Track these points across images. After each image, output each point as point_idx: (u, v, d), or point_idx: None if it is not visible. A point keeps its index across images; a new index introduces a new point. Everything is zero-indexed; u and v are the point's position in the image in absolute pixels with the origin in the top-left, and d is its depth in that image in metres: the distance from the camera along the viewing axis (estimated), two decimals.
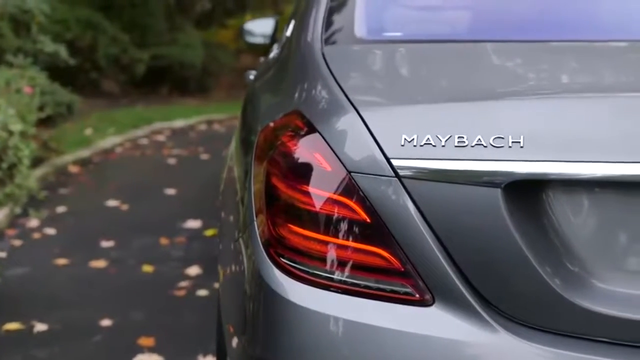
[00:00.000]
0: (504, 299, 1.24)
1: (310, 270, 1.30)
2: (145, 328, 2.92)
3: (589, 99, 1.26)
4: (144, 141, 7.61)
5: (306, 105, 1.44)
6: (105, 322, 2.97)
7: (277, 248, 1.34)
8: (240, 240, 1.50)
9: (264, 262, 1.35)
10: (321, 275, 1.30)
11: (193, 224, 4.31)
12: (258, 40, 3.99)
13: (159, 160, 6.58)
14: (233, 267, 1.56)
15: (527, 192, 1.22)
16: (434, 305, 1.25)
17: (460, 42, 1.62)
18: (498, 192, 1.21)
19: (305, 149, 1.34)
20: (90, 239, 4.02)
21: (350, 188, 1.27)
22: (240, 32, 4.22)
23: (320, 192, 1.30)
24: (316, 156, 1.32)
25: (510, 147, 1.21)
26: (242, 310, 1.44)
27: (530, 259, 1.20)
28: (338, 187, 1.28)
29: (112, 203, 4.84)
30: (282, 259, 1.33)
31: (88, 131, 7.15)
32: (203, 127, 9.01)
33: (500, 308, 1.24)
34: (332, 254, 1.29)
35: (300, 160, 1.34)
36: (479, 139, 1.22)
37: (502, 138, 1.21)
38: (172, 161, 6.54)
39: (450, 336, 1.23)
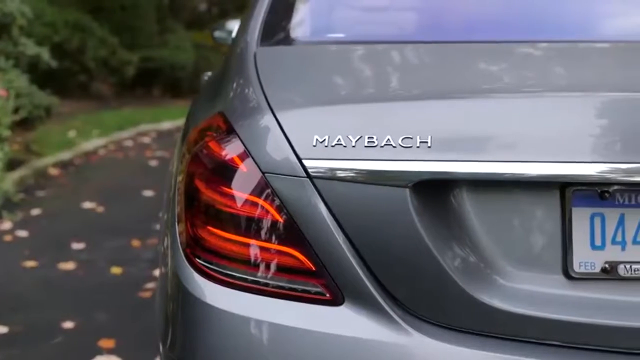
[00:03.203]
0: (413, 298, 1.24)
1: (225, 271, 1.31)
2: (107, 330, 2.92)
3: (495, 100, 1.27)
4: (129, 143, 7.62)
5: (229, 107, 1.44)
6: (68, 324, 2.97)
7: (194, 249, 1.34)
8: (166, 240, 1.51)
9: (182, 263, 1.36)
10: (235, 276, 1.30)
11: None
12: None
13: (141, 162, 6.59)
14: (162, 268, 1.57)
15: (434, 192, 1.23)
16: (343, 305, 1.25)
17: (389, 43, 1.62)
18: (406, 192, 1.21)
19: (224, 150, 1.34)
20: (61, 241, 4.02)
21: (264, 189, 1.28)
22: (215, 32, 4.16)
23: (235, 193, 1.30)
24: (233, 157, 1.32)
25: (418, 147, 1.21)
26: (164, 311, 1.44)
27: (438, 258, 1.21)
28: (253, 188, 1.29)
29: (88, 205, 4.84)
30: (199, 260, 1.33)
31: (71, 133, 7.15)
32: None
33: (410, 307, 1.24)
34: (245, 255, 1.29)
35: (218, 161, 1.34)
36: (388, 139, 1.23)
37: (411, 138, 1.22)
38: (154, 163, 6.54)
39: (358, 335, 1.23)
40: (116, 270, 3.60)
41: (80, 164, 6.36)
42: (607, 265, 1.22)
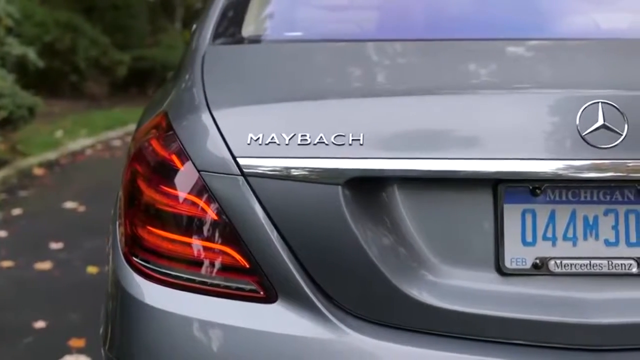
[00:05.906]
0: (346, 295, 1.24)
1: (161, 270, 1.30)
2: (79, 329, 2.92)
3: (427, 98, 1.26)
4: (117, 142, 7.62)
5: (173, 105, 1.44)
6: (39, 324, 2.96)
7: (132, 247, 1.34)
8: (110, 238, 1.51)
9: (120, 262, 1.36)
10: (171, 274, 1.30)
11: None
12: None
13: None
14: (106, 267, 1.57)
15: (367, 189, 1.22)
16: (276, 303, 1.25)
17: (336, 42, 1.61)
18: (338, 189, 1.21)
19: (163, 149, 1.34)
20: (40, 241, 4.02)
21: (200, 187, 1.27)
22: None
23: (173, 192, 1.30)
24: (172, 156, 1.32)
25: (350, 144, 1.21)
26: (105, 309, 1.44)
27: (370, 254, 1.20)
28: (189, 186, 1.29)
29: (69, 205, 4.84)
30: (136, 259, 1.33)
31: (59, 133, 7.15)
32: None
33: (343, 304, 1.24)
34: (181, 253, 1.29)
35: (158, 160, 1.34)
36: (321, 137, 1.23)
37: (343, 136, 1.22)
38: None
39: (289, 333, 1.23)
40: (92, 269, 3.60)
41: (66, 164, 6.36)
42: (538, 261, 1.22)
